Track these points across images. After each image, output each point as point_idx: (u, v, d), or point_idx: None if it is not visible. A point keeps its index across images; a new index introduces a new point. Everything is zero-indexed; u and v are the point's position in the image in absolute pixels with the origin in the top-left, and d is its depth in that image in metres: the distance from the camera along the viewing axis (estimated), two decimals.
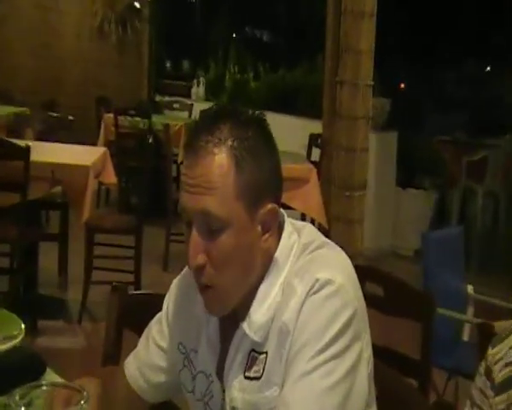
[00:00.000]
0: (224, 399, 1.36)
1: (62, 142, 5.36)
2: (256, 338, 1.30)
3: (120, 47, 8.81)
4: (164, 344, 1.52)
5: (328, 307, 1.24)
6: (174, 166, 7.02)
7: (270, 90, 8.32)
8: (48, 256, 4.95)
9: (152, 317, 1.92)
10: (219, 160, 1.27)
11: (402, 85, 8.96)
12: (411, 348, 2.29)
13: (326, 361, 1.23)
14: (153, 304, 1.94)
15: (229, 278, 1.30)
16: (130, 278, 4.63)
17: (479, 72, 8.76)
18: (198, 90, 8.76)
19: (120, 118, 6.92)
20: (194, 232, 1.29)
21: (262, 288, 1.32)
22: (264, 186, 1.31)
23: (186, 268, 1.50)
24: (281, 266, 1.32)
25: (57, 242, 5.18)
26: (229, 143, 1.27)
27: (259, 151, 1.30)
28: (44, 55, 8.30)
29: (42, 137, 5.46)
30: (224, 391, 1.36)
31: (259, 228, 1.31)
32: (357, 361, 1.26)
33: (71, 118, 5.82)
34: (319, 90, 5.89)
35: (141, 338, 1.58)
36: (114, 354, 1.87)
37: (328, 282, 1.25)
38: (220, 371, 1.36)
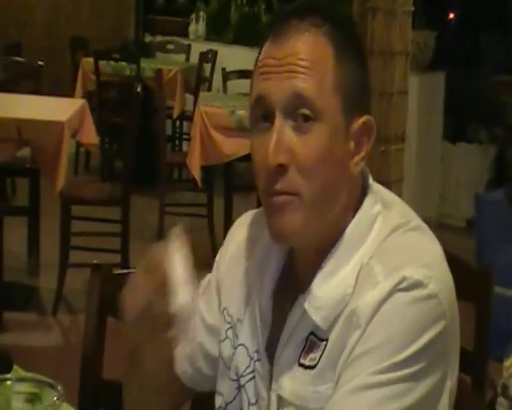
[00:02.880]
0: (270, 384, 1.37)
1: (30, 93, 5.37)
2: (317, 319, 1.30)
3: None
4: (213, 321, 1.51)
5: (414, 315, 1.24)
6: (168, 123, 7.03)
7: None
8: (15, 234, 4.98)
9: None
10: (316, 40, 1.30)
11: (451, 15, 8.87)
12: (464, 336, 2.28)
13: (395, 382, 1.22)
14: None
15: (318, 184, 1.28)
16: (117, 258, 4.66)
17: None
18: (197, 27, 8.73)
19: (102, 63, 6.92)
20: (279, 124, 1.28)
21: (333, 257, 1.32)
22: (362, 91, 1.34)
23: (244, 214, 1.51)
24: (359, 239, 1.32)
25: (26, 216, 5.21)
26: (328, 27, 1.31)
27: (357, 50, 1.35)
28: None
29: (4, 87, 5.45)
30: (271, 374, 1.37)
31: (352, 144, 1.32)
32: (437, 389, 1.27)
33: (40, 63, 5.81)
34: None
35: None
36: (96, 350, 1.88)
37: (418, 284, 1.24)
38: (270, 351, 1.37)
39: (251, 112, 1.33)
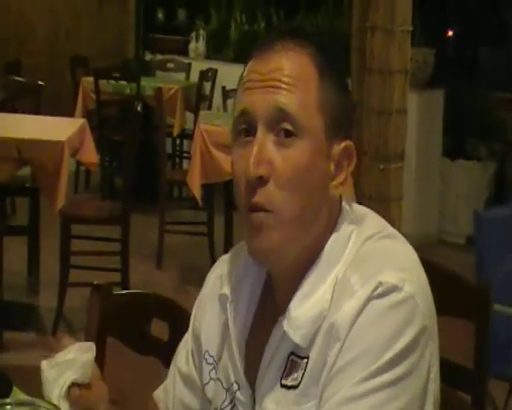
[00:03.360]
0: None
1: (30, 112, 5.38)
2: (296, 339, 1.30)
3: None
4: (187, 370, 1.53)
5: (392, 319, 1.25)
6: (169, 141, 7.04)
7: None
8: (15, 253, 4.97)
9: (142, 322, 1.94)
10: (302, 59, 1.32)
11: (450, 33, 8.89)
12: (463, 354, 2.28)
13: (381, 388, 1.23)
14: (142, 306, 1.97)
15: (296, 201, 1.29)
16: (117, 277, 4.66)
17: None
18: (197, 45, 8.75)
19: (102, 82, 6.94)
20: (261, 136, 1.30)
21: (310, 278, 1.33)
22: (344, 115, 1.36)
23: (218, 260, 1.53)
24: (335, 257, 1.33)
25: (26, 236, 5.21)
26: (313, 50, 1.34)
27: (340, 76, 1.37)
28: (3, 6, 8.29)
29: (5, 107, 5.47)
30: (254, 401, 1.37)
31: (332, 167, 1.33)
32: (421, 392, 1.27)
33: (40, 83, 5.83)
34: (346, 40, 5.83)
35: (171, 365, 1.59)
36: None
37: (393, 288, 1.26)
38: (251, 377, 1.38)
39: (234, 125, 1.34)
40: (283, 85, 1.30)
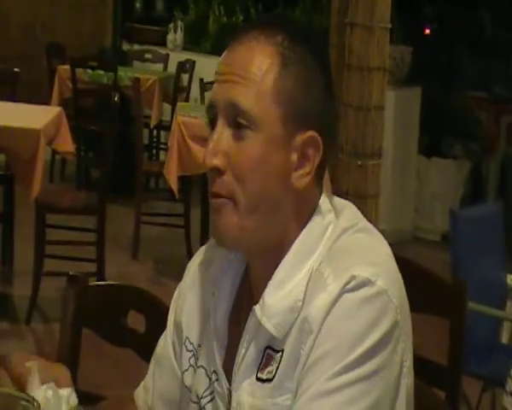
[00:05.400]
0: (229, 402, 1.37)
1: (6, 100, 5.34)
2: (270, 328, 1.31)
3: None
4: (162, 352, 1.53)
5: (364, 313, 1.25)
6: (145, 132, 7.02)
7: None
8: None
9: (117, 313, 1.93)
10: (263, 49, 1.33)
11: (427, 31, 8.93)
12: (438, 351, 2.30)
13: (353, 383, 1.24)
14: (118, 297, 1.96)
15: (252, 191, 1.32)
16: (92, 267, 4.65)
17: None
18: (175, 36, 8.73)
19: (78, 70, 6.91)
20: (218, 128, 1.33)
21: (283, 267, 1.34)
22: (311, 107, 1.34)
23: (200, 248, 1.53)
24: (310, 248, 1.34)
25: (0, 224, 5.18)
26: (280, 38, 1.33)
27: (312, 65, 1.35)
28: None
29: None
30: (230, 393, 1.37)
31: (294, 157, 1.33)
32: (393, 387, 1.28)
33: (16, 70, 5.79)
34: (324, 36, 5.84)
35: (150, 362, 1.58)
36: (70, 361, 1.87)
37: (366, 282, 1.26)
38: (228, 370, 1.38)
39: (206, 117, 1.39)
40: (238, 79, 1.31)
